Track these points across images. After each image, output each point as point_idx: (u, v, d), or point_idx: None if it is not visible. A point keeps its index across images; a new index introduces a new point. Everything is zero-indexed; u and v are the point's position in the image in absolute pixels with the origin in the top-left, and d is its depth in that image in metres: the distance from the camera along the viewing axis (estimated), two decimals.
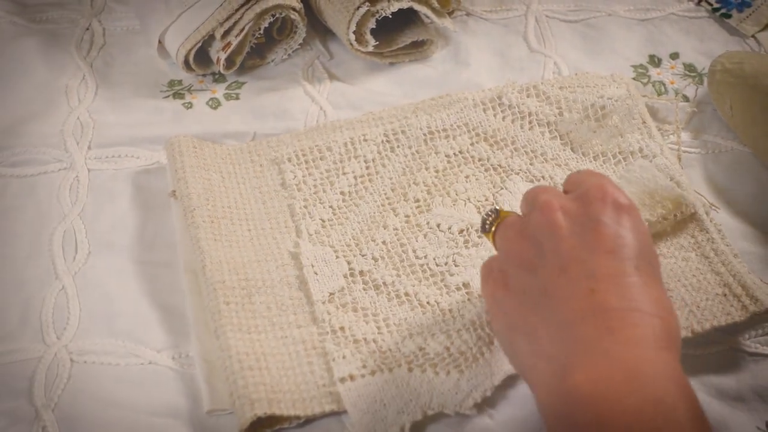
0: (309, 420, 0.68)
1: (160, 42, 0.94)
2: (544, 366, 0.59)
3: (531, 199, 0.66)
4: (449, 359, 0.69)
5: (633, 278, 0.59)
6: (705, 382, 0.70)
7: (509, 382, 0.69)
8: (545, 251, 0.62)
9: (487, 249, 0.76)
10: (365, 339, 0.72)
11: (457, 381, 0.68)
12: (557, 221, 0.62)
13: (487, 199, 0.81)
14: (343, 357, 0.71)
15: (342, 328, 0.73)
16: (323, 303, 0.74)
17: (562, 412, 0.56)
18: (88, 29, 1.01)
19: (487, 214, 0.69)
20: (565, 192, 0.67)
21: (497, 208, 0.69)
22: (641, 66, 0.95)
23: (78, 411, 0.69)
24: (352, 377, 0.69)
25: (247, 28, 0.91)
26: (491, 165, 0.83)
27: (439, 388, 0.68)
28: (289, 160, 0.84)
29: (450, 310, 0.73)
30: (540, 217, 0.63)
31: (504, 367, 0.68)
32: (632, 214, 0.63)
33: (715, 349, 0.72)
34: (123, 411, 0.69)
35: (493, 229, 0.68)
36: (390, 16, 0.93)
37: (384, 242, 0.79)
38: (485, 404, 0.68)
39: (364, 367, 0.70)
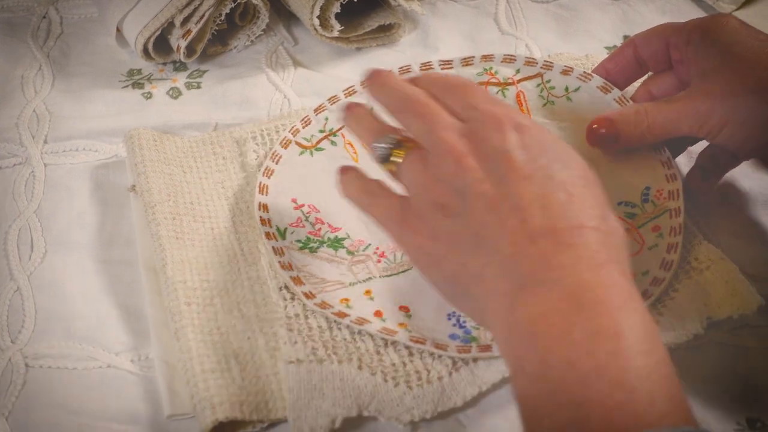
0: (272, 424, 0.66)
1: (118, 30, 0.92)
2: (497, 305, 0.57)
3: (426, 132, 0.62)
4: (402, 372, 0.68)
5: (557, 194, 0.58)
6: (684, 376, 0.68)
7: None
8: (465, 195, 0.60)
9: None
10: (320, 327, 0.70)
11: (402, 394, 0.67)
12: (467, 165, 0.60)
13: None
14: (295, 342, 0.69)
15: (297, 315, 0.71)
16: (279, 289, 0.73)
17: (513, 350, 0.55)
18: (44, 17, 0.99)
19: (383, 141, 0.65)
20: (451, 111, 0.63)
21: (395, 136, 0.65)
22: (616, 47, 0.93)
23: (33, 418, 0.67)
24: (299, 361, 0.68)
25: (207, 15, 0.89)
26: None
27: (383, 395, 0.67)
28: (253, 139, 0.83)
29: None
30: (449, 163, 0.60)
31: (454, 398, 0.66)
32: (534, 131, 0.60)
33: (696, 342, 0.70)
34: (80, 417, 0.67)
35: (393, 159, 0.64)
36: (355, 0, 0.90)
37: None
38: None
39: (314, 354, 0.68)
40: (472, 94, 0.64)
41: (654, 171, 0.77)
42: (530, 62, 0.84)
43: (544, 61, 0.84)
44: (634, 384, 0.51)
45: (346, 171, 0.69)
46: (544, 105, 0.83)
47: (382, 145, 0.65)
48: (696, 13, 0.97)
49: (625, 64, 0.80)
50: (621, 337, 0.52)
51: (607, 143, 0.76)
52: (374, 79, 0.67)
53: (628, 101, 0.80)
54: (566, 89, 0.83)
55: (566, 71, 0.83)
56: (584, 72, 0.83)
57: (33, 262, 0.77)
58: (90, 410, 0.68)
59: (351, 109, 0.70)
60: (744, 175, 0.81)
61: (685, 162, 0.81)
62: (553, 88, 0.83)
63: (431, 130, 0.62)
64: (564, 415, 0.51)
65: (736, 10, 0.96)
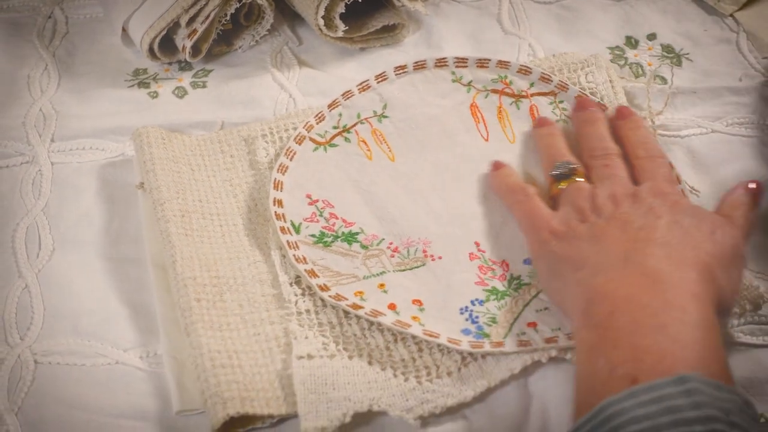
0: (283, 419, 0.67)
1: (124, 29, 0.92)
2: (586, 278, 0.66)
3: (603, 176, 0.75)
4: (412, 367, 0.69)
5: (681, 243, 0.66)
6: None
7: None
8: (604, 213, 0.70)
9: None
10: (330, 323, 0.71)
11: (412, 389, 0.67)
12: (622, 203, 0.71)
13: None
14: (306, 337, 0.70)
15: (308, 311, 0.72)
16: (290, 284, 0.73)
17: (584, 309, 0.64)
18: (50, 17, 0.99)
19: (563, 166, 0.76)
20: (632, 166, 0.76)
21: (574, 166, 0.76)
22: (618, 48, 0.94)
23: (42, 414, 0.67)
24: (310, 356, 0.68)
25: (213, 15, 0.89)
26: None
27: (393, 389, 0.67)
28: (263, 137, 0.83)
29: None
30: (608, 200, 0.72)
31: (463, 393, 0.67)
32: (685, 211, 0.69)
33: None
34: (89, 413, 0.68)
35: (562, 184, 0.76)
36: (360, 0, 0.91)
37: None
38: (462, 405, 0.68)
39: (325, 349, 0.69)
40: (658, 167, 0.75)
41: None
42: (545, 78, 0.85)
43: (559, 81, 0.85)
44: (687, 341, 0.59)
45: (498, 166, 0.80)
46: (557, 121, 0.83)
47: (561, 170, 0.77)
48: (697, 14, 0.97)
49: None
50: (685, 311, 0.61)
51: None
52: (585, 113, 0.82)
53: None
54: None
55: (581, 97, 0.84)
56: (599, 102, 0.84)
57: (41, 259, 0.77)
58: (99, 406, 0.68)
59: (542, 124, 0.82)
60: (748, 177, 0.81)
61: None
62: (566, 109, 0.84)
63: (609, 175, 0.75)
64: (619, 355, 0.59)
65: (737, 11, 0.96)
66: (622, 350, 0.60)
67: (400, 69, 0.86)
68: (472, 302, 0.72)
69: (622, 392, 0.55)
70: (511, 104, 0.84)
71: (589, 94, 0.84)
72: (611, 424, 0.54)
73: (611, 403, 0.55)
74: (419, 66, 0.86)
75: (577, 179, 0.76)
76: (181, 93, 0.90)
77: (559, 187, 0.76)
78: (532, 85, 0.85)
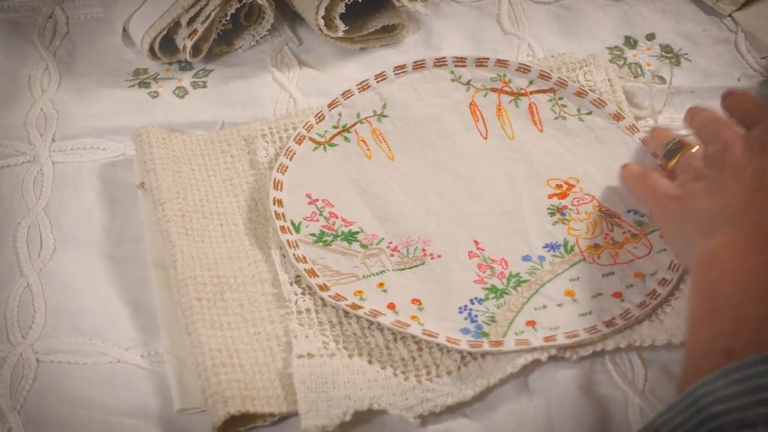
0: (283, 417, 0.67)
1: (124, 30, 0.93)
2: (701, 240, 0.65)
3: (712, 134, 0.73)
4: (412, 366, 0.69)
5: None
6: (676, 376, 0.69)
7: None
8: (721, 167, 0.69)
9: None
10: (330, 322, 0.71)
11: (412, 388, 0.68)
12: (734, 148, 0.69)
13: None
14: (306, 336, 0.70)
15: (308, 310, 0.72)
16: (291, 284, 0.73)
17: (695, 276, 0.64)
18: (50, 17, 0.99)
19: (671, 142, 0.77)
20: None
21: (682, 139, 0.77)
22: (617, 48, 0.94)
23: (44, 412, 0.68)
24: (310, 355, 0.69)
25: (213, 15, 0.89)
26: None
27: (393, 389, 0.68)
28: (263, 137, 0.83)
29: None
30: (718, 145, 0.71)
31: (463, 392, 0.67)
32: None
33: None
34: (91, 412, 0.68)
35: (674, 159, 0.76)
36: (360, 0, 0.91)
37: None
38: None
39: (325, 348, 0.69)
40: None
41: None
42: (544, 76, 0.85)
43: (558, 78, 0.85)
44: None
45: (624, 166, 0.79)
46: (556, 119, 0.84)
47: (670, 146, 0.77)
48: (696, 14, 0.97)
49: None
50: None
51: None
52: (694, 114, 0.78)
53: (639, 130, 0.82)
54: (579, 110, 0.84)
55: (580, 93, 0.85)
56: (598, 98, 0.84)
57: (42, 258, 0.77)
58: (100, 404, 0.68)
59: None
60: None
61: None
62: (565, 105, 0.85)
63: (719, 130, 0.72)
64: (719, 326, 0.58)
65: (736, 11, 0.97)
66: (723, 320, 0.58)
67: (400, 69, 0.87)
68: (471, 301, 0.72)
69: (714, 372, 0.52)
70: (510, 102, 0.85)
71: (588, 91, 0.85)
72: (698, 405, 0.51)
73: (704, 383, 0.52)
74: (418, 66, 0.87)
75: (689, 150, 0.76)
76: (181, 93, 0.91)
77: (674, 161, 0.76)
78: (531, 82, 0.85)
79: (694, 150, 0.75)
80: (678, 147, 0.76)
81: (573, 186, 0.79)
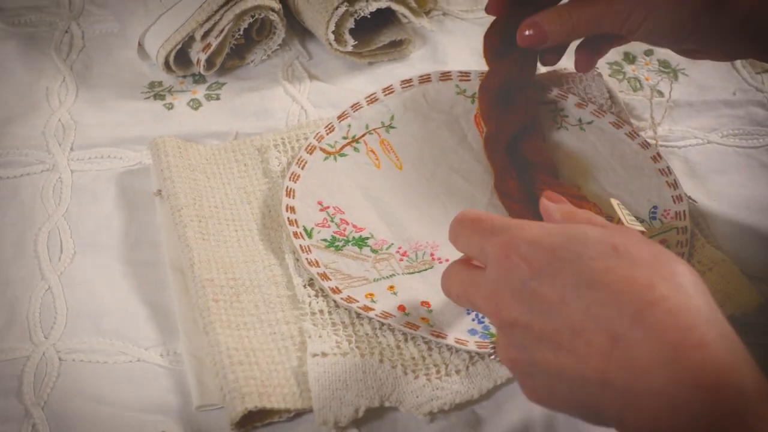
0: (299, 414, 0.69)
1: (139, 44, 0.95)
2: (598, 338, 0.53)
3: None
4: (422, 365, 0.71)
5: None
6: None
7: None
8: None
9: None
10: (343, 323, 0.73)
11: (422, 386, 0.69)
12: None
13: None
14: (320, 336, 0.72)
15: (321, 312, 0.74)
16: (304, 287, 0.75)
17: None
18: (67, 32, 1.01)
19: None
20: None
21: None
22: (616, 63, 0.97)
23: (67, 408, 0.69)
24: (324, 354, 0.71)
25: (226, 29, 0.92)
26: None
27: (403, 386, 0.69)
28: (275, 147, 0.86)
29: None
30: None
31: (471, 391, 0.70)
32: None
33: None
34: (112, 408, 0.69)
35: None
36: (368, 16, 0.94)
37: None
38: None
39: (338, 347, 0.71)
40: None
41: (660, 191, 0.81)
42: (545, 88, 0.88)
43: (559, 92, 0.88)
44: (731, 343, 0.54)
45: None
46: (558, 129, 0.87)
47: None
48: None
49: None
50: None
51: (537, 44, 0.81)
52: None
53: (638, 135, 0.85)
54: (579, 120, 0.87)
55: (580, 105, 0.87)
56: (598, 108, 0.87)
57: (63, 262, 0.79)
58: (121, 401, 0.70)
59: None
60: (742, 186, 0.85)
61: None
62: (566, 116, 0.87)
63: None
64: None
65: None
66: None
67: (407, 82, 0.89)
68: None
69: None
70: None
71: (588, 102, 0.87)
72: None
73: None
74: (424, 79, 0.89)
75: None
76: (195, 105, 0.93)
77: None
78: None
79: None
80: None
81: (575, 192, 0.81)
